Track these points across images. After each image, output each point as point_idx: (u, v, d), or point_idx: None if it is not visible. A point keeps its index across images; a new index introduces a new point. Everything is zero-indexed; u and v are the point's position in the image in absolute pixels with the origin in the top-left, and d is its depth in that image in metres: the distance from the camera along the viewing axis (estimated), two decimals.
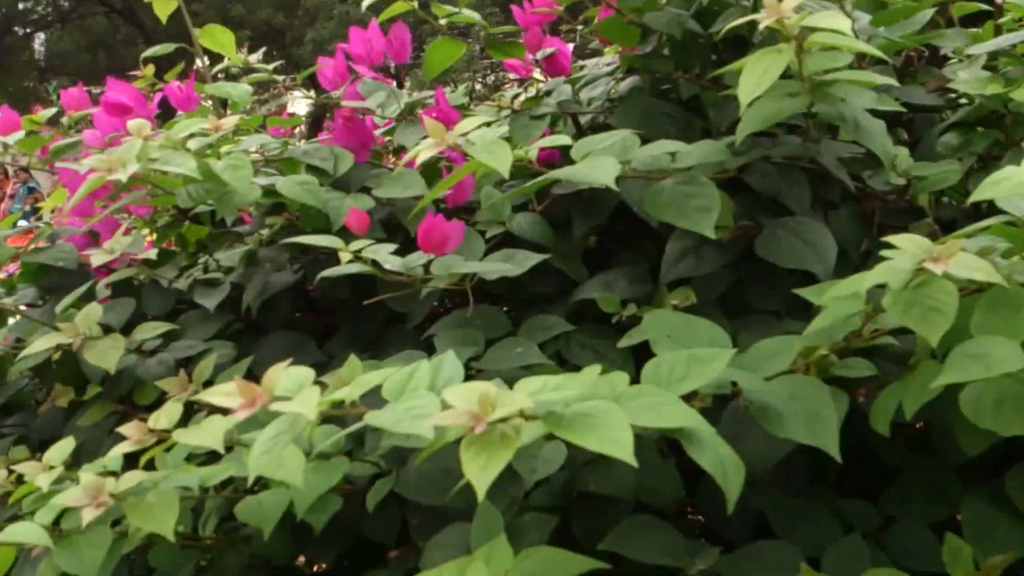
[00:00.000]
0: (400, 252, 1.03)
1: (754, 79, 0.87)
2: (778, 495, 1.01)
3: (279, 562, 1.00)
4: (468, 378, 0.74)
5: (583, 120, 1.29)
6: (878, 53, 0.94)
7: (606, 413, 0.67)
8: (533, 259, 1.06)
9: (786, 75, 0.99)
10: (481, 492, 0.59)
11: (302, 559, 1.13)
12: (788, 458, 0.93)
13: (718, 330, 0.92)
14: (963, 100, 1.28)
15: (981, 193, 0.82)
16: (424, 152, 0.85)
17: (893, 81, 1.00)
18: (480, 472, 0.60)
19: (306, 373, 0.69)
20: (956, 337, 0.82)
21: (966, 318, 0.85)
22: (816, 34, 0.90)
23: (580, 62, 1.50)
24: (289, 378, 0.68)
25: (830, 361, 0.94)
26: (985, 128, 1.22)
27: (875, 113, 1.05)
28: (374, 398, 0.74)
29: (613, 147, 1.00)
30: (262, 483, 0.94)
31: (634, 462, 0.64)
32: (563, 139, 0.99)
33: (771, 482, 1.00)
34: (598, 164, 0.93)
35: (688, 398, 0.82)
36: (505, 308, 1.22)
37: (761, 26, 0.86)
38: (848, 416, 0.91)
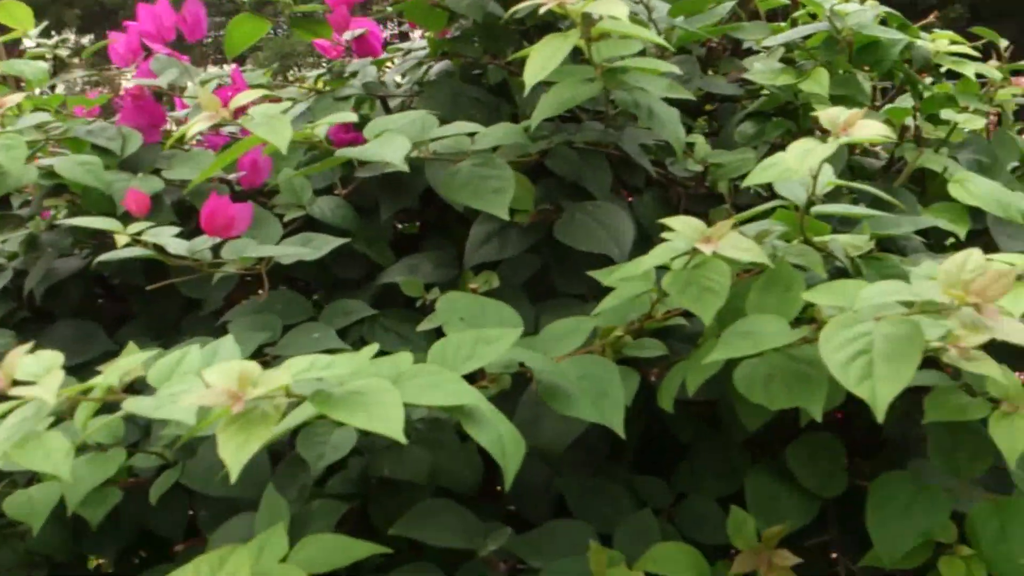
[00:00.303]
0: (193, 236, 0.99)
1: (539, 63, 0.87)
2: (577, 476, 1.02)
3: (59, 558, 0.95)
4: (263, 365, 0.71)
5: (392, 103, 1.27)
6: (660, 40, 0.96)
7: (377, 391, 0.66)
8: (332, 243, 1.03)
9: (585, 61, 1.01)
10: (234, 473, 0.57)
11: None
12: (588, 439, 0.94)
13: (510, 311, 0.92)
14: (764, 91, 1.33)
15: (753, 178, 0.84)
16: (195, 126, 0.82)
17: (677, 71, 1.02)
18: (235, 452, 0.58)
19: (53, 357, 0.65)
20: (734, 317, 0.85)
21: (745, 299, 0.88)
22: (605, 21, 0.91)
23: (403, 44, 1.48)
24: (35, 362, 0.64)
25: (624, 342, 0.95)
26: (780, 117, 1.26)
27: (674, 102, 1.07)
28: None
29: (411, 126, 0.99)
30: (36, 476, 0.89)
31: (403, 439, 0.63)
32: (349, 115, 0.97)
33: (572, 463, 1.01)
34: (389, 143, 0.91)
35: (474, 378, 0.82)
36: (315, 295, 1.19)
37: (542, 10, 0.87)
38: (645, 396, 0.93)
